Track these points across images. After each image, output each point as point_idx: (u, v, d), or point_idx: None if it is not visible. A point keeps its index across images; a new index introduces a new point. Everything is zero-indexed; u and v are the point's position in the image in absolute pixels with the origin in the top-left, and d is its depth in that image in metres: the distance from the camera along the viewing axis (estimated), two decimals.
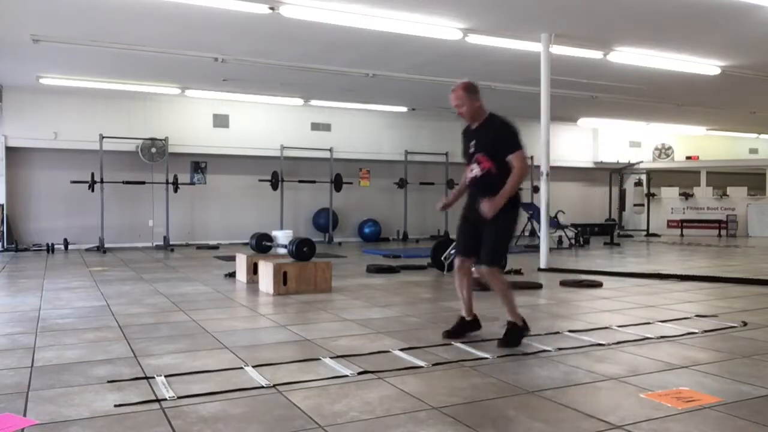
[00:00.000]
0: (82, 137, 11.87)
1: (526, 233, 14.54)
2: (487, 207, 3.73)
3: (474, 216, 3.87)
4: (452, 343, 3.86)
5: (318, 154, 14.01)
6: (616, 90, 11.76)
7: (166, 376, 3.12)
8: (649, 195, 17.29)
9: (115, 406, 2.69)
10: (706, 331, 4.21)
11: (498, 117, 3.88)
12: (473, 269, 4.07)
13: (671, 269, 8.12)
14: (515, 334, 3.84)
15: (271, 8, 6.98)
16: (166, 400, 2.77)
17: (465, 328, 4.08)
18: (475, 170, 3.87)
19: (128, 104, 12.38)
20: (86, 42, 8.37)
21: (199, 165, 13.42)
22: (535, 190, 15.61)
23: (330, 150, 14.06)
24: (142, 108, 12.52)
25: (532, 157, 16.01)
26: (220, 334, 4.18)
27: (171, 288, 6.45)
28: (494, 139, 3.80)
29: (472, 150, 3.89)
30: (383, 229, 14.62)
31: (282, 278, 5.98)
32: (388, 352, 3.65)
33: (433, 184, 15.16)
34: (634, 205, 17.14)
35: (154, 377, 3.12)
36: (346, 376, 3.15)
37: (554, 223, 12.18)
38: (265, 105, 13.28)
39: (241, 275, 7.02)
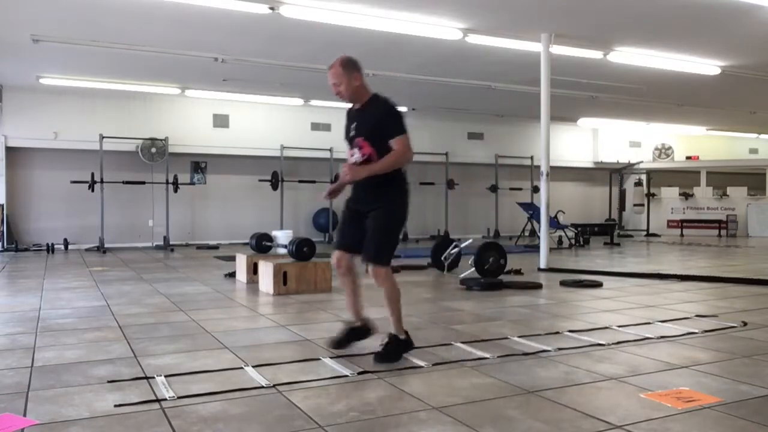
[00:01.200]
0: (82, 137, 11.88)
1: (526, 233, 14.54)
2: (347, 170, 3.37)
3: (357, 206, 3.52)
4: (453, 343, 3.85)
5: (318, 154, 14.00)
6: (616, 90, 11.76)
7: (166, 376, 3.12)
8: (649, 195, 17.28)
9: (115, 406, 2.69)
10: (706, 331, 4.21)
11: (382, 98, 3.46)
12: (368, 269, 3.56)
13: (671, 269, 8.11)
14: (396, 348, 3.45)
15: (271, 8, 6.98)
16: (166, 400, 2.77)
17: (350, 336, 3.68)
18: (355, 155, 3.44)
19: (128, 104, 12.38)
20: (86, 42, 8.38)
21: (199, 165, 13.42)
22: (535, 190, 15.63)
23: (330, 150, 14.06)
24: (142, 108, 12.52)
25: (538, 159, 16.17)
26: (220, 334, 4.18)
27: (171, 288, 6.45)
28: (377, 123, 3.37)
29: (352, 133, 3.48)
30: None
31: (282, 278, 5.98)
32: None
33: (433, 184, 15.15)
34: (634, 205, 17.13)
35: (154, 377, 3.11)
36: (346, 376, 3.14)
37: (554, 223, 12.17)
38: (265, 105, 13.28)
39: (241, 275, 7.02)
